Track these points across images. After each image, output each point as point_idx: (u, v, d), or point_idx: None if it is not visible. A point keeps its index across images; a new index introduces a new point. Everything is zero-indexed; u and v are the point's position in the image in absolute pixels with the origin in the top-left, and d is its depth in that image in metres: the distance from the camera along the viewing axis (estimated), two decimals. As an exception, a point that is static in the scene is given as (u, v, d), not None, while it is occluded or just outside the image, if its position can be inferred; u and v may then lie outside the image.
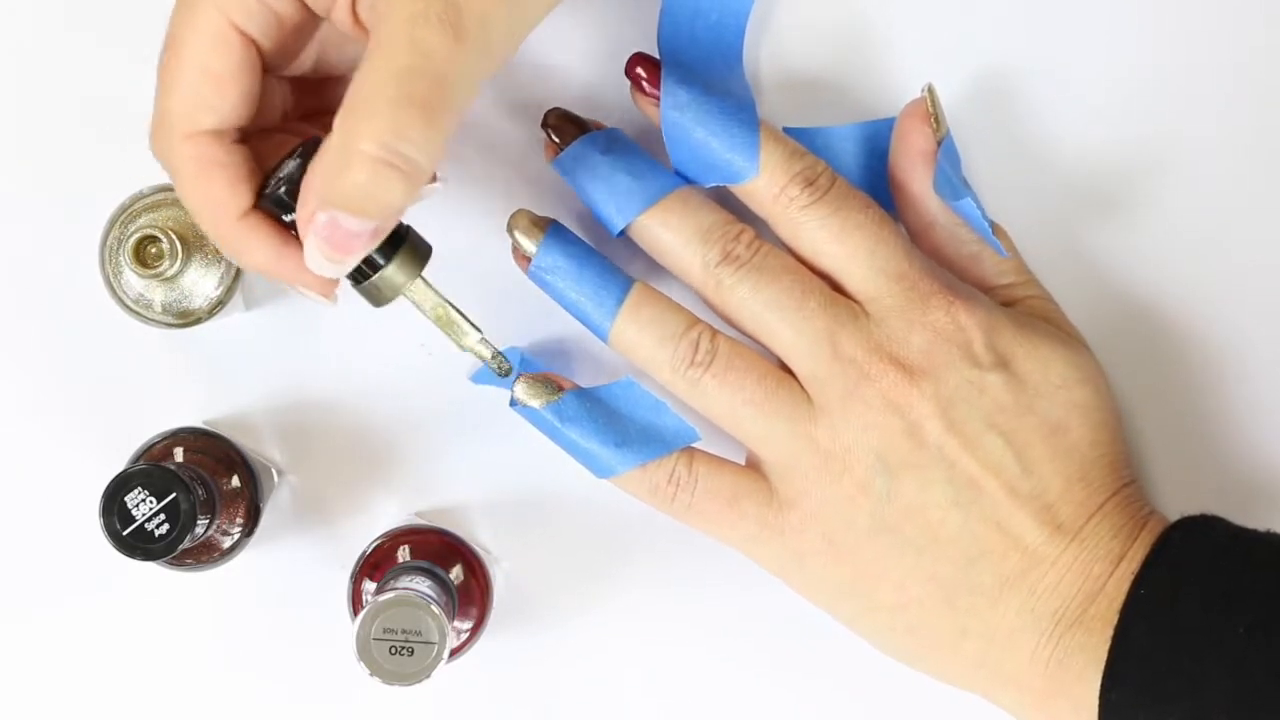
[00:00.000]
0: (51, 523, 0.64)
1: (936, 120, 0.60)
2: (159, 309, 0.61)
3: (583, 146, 0.59)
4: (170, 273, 0.59)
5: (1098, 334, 0.63)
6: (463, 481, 0.64)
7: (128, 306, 0.60)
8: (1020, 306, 0.61)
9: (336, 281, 0.54)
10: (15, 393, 0.64)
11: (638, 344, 0.59)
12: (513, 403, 0.59)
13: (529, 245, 0.59)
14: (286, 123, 0.58)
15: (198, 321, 0.61)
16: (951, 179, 0.60)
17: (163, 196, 0.60)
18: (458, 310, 0.56)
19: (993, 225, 0.60)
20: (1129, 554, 0.57)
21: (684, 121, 0.59)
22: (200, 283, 0.60)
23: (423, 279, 0.55)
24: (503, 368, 0.57)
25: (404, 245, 0.54)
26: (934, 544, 0.58)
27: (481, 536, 0.64)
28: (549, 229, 0.59)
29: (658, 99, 0.59)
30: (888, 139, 0.61)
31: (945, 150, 0.60)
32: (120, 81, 0.63)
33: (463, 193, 0.64)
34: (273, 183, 0.54)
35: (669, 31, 0.61)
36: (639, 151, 0.60)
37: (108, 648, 0.64)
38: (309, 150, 0.53)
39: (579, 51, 0.64)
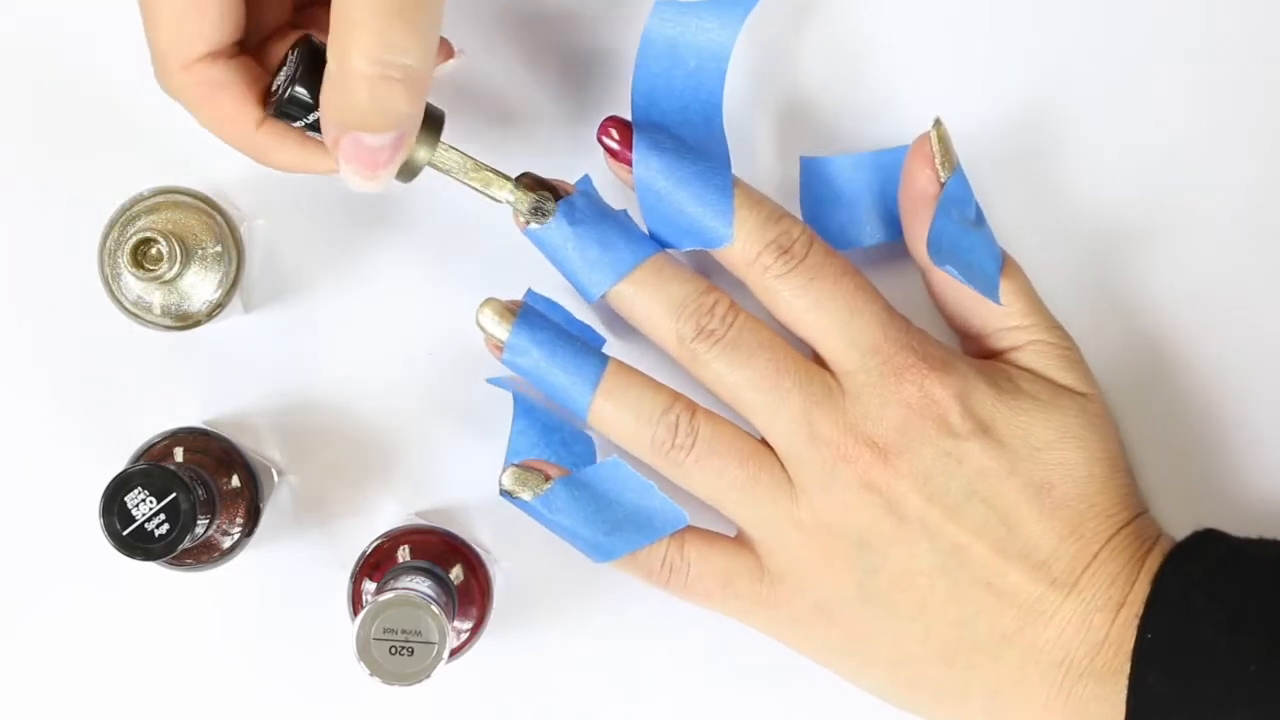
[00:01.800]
0: (51, 523, 0.64)
1: (944, 157, 0.59)
2: (158, 311, 0.60)
3: (554, 217, 0.59)
4: (168, 276, 0.59)
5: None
6: (463, 481, 0.64)
7: (126, 309, 0.60)
8: (1020, 353, 0.60)
9: None
10: (15, 393, 0.64)
11: (617, 423, 0.59)
12: (502, 492, 0.60)
13: (499, 333, 0.59)
14: (291, 14, 0.58)
15: (196, 324, 0.60)
16: (952, 224, 0.59)
17: (162, 199, 0.60)
18: (488, 167, 0.57)
19: (1004, 258, 0.60)
20: (1128, 599, 0.57)
21: (657, 187, 0.59)
22: (199, 286, 0.60)
23: (444, 144, 0.56)
24: (544, 211, 0.58)
25: None
26: (925, 610, 0.58)
27: (481, 536, 0.64)
28: (518, 315, 0.59)
29: (630, 164, 0.59)
30: (901, 168, 0.61)
31: (952, 188, 0.59)
32: (120, 84, 0.64)
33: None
34: (274, 91, 0.55)
35: (644, 84, 0.60)
36: (610, 217, 0.60)
37: (108, 648, 0.64)
38: (303, 53, 0.54)
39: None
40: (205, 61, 0.54)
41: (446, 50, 0.58)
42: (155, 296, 0.60)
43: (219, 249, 0.60)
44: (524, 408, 0.61)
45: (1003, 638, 0.57)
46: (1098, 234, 0.64)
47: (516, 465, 0.60)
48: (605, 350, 0.62)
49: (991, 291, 0.59)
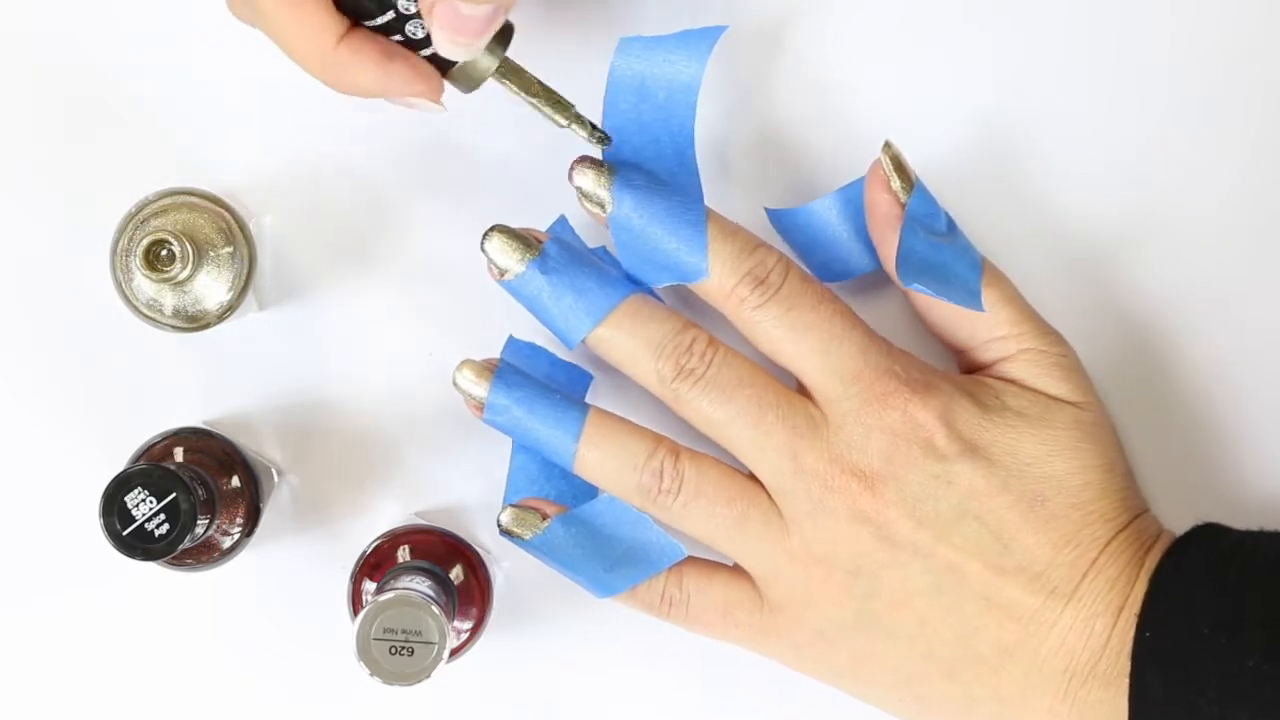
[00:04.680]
0: (51, 523, 0.64)
1: (900, 176, 0.59)
2: (169, 312, 0.60)
3: (527, 268, 0.59)
4: (181, 277, 0.58)
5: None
6: (463, 481, 0.64)
7: (140, 311, 0.60)
8: (1011, 364, 0.60)
9: (443, 88, 0.55)
10: (16, 393, 0.64)
11: (602, 472, 0.59)
12: (502, 532, 0.60)
13: (478, 393, 0.59)
14: None
15: (206, 325, 0.60)
16: (920, 241, 0.59)
17: (172, 201, 0.60)
18: (551, 91, 0.57)
19: (985, 266, 0.60)
20: (1129, 601, 0.57)
21: (631, 225, 0.59)
22: (212, 286, 0.60)
23: (509, 60, 0.56)
24: (603, 140, 0.58)
25: None
26: (924, 628, 0.58)
27: (481, 536, 0.64)
28: (495, 374, 0.59)
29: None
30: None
31: (914, 205, 0.59)
32: (133, 84, 0.63)
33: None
34: None
35: (614, 121, 0.60)
36: (585, 261, 0.60)
37: (108, 648, 0.64)
38: None
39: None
40: None
41: None
42: (168, 298, 0.60)
43: (230, 250, 0.60)
44: (522, 444, 0.61)
45: (1004, 650, 0.57)
46: (1093, 234, 0.64)
47: (514, 505, 0.60)
48: (596, 386, 0.62)
49: (973, 301, 0.59)
